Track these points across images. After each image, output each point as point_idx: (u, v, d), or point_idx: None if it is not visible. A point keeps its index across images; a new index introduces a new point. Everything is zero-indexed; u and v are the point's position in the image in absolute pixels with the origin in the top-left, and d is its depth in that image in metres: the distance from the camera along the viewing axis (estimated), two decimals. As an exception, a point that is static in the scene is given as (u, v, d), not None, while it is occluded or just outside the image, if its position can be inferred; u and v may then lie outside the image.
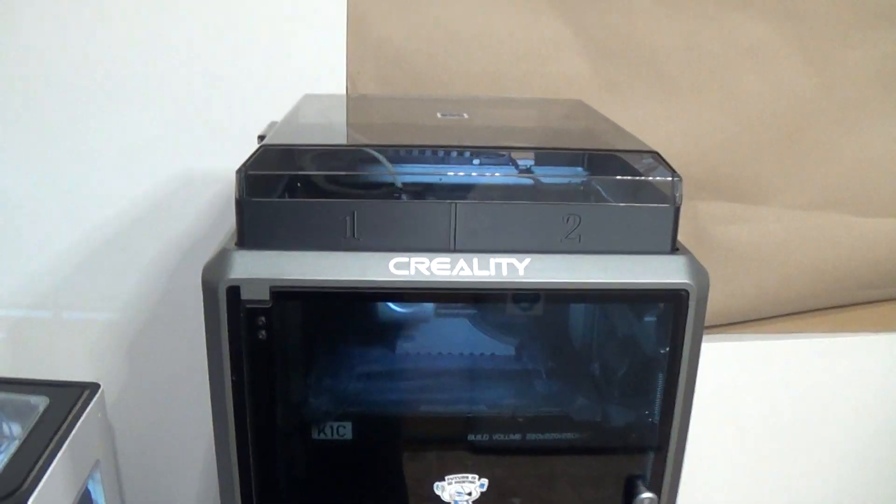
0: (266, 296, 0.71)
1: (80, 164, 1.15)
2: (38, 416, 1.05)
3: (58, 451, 0.98)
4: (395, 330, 0.85)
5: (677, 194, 0.73)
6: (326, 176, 0.78)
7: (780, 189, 1.24)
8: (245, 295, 0.71)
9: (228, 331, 0.71)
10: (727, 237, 1.24)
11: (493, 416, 0.85)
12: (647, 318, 0.80)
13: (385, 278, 0.71)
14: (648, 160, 0.78)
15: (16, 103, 1.12)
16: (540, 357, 0.90)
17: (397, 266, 0.71)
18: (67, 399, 1.09)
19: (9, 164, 1.15)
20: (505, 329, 0.89)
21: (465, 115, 0.93)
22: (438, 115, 0.92)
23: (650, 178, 0.76)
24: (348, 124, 0.99)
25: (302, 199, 0.75)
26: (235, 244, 0.72)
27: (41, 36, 1.09)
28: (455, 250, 0.72)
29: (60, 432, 1.02)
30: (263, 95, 1.12)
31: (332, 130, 0.94)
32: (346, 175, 0.77)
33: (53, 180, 1.17)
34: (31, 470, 0.93)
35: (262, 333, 0.72)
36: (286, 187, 0.78)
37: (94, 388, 1.13)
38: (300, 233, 0.71)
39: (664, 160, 0.76)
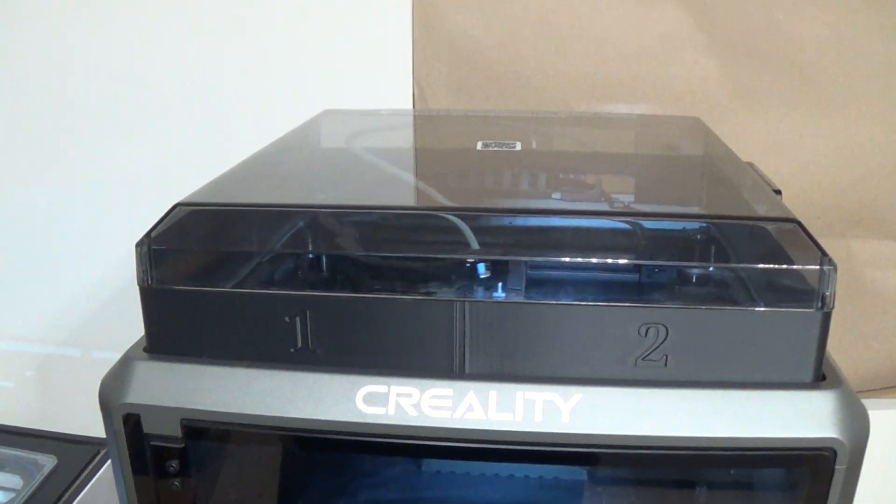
0: (177, 431, 0.48)
1: (112, 188, 1.07)
2: (41, 479, 0.92)
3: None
4: (375, 471, 0.59)
5: (828, 292, 0.47)
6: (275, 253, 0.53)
7: (954, 224, 1.06)
8: (148, 427, 0.49)
9: (133, 471, 0.50)
10: (887, 284, 1.08)
11: None
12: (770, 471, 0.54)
13: (348, 418, 0.47)
14: (784, 229, 0.50)
15: (44, 134, 1.06)
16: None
17: (368, 399, 0.47)
18: (77, 459, 0.95)
19: (37, 187, 1.08)
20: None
21: (518, 146, 0.66)
22: (479, 145, 0.66)
23: (788, 265, 0.48)
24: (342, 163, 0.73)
25: (231, 290, 0.50)
26: (144, 349, 0.50)
27: (74, 59, 1.02)
28: (462, 376, 0.48)
29: (64, 499, 0.88)
30: (311, 108, 0.95)
31: (315, 174, 0.67)
32: (298, 253, 0.52)
33: (84, 204, 1.09)
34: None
35: (175, 483, 0.49)
36: (219, 266, 0.54)
37: (111, 445, 1.00)
38: (230, 339, 0.50)
39: (809, 234, 0.49)
